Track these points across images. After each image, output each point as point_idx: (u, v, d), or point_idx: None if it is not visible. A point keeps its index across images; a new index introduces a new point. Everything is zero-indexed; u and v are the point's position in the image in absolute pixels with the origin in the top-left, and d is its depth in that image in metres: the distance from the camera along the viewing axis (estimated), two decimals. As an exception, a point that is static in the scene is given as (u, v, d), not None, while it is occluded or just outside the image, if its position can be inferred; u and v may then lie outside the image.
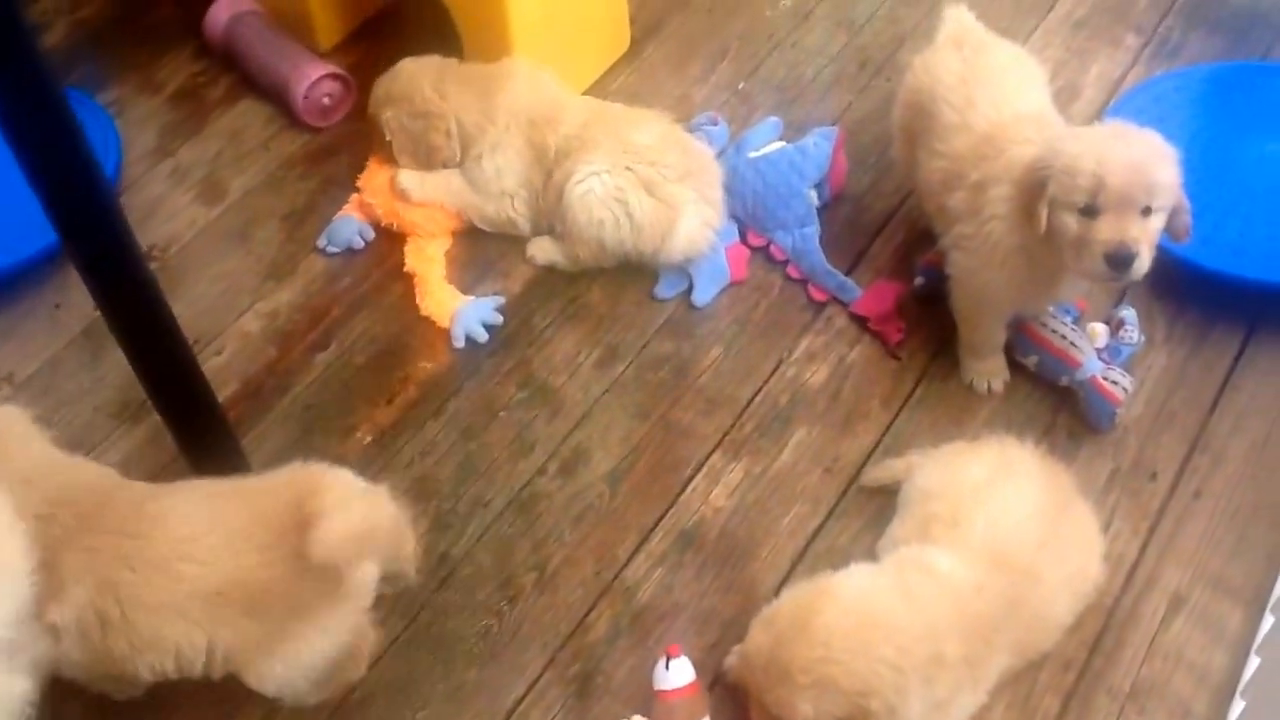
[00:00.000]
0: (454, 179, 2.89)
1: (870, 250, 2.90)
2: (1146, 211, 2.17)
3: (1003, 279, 2.42)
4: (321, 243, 2.99)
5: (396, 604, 2.38)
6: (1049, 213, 2.23)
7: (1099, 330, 2.63)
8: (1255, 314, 2.69)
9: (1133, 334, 2.60)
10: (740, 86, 3.25)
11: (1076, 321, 2.67)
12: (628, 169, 2.74)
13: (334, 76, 3.20)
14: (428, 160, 2.88)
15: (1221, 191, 2.74)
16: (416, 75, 2.89)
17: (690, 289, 2.83)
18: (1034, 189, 2.25)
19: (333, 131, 3.23)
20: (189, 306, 2.90)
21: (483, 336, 2.79)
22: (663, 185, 2.76)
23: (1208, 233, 2.62)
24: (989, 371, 2.63)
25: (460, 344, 2.78)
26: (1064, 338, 2.57)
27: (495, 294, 2.86)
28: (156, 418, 2.41)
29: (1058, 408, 2.61)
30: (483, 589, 2.44)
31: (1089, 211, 2.19)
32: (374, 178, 2.97)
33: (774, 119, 3.05)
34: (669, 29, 3.41)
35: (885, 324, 2.72)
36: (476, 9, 2.97)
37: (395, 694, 2.31)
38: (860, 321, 2.76)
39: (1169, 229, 2.26)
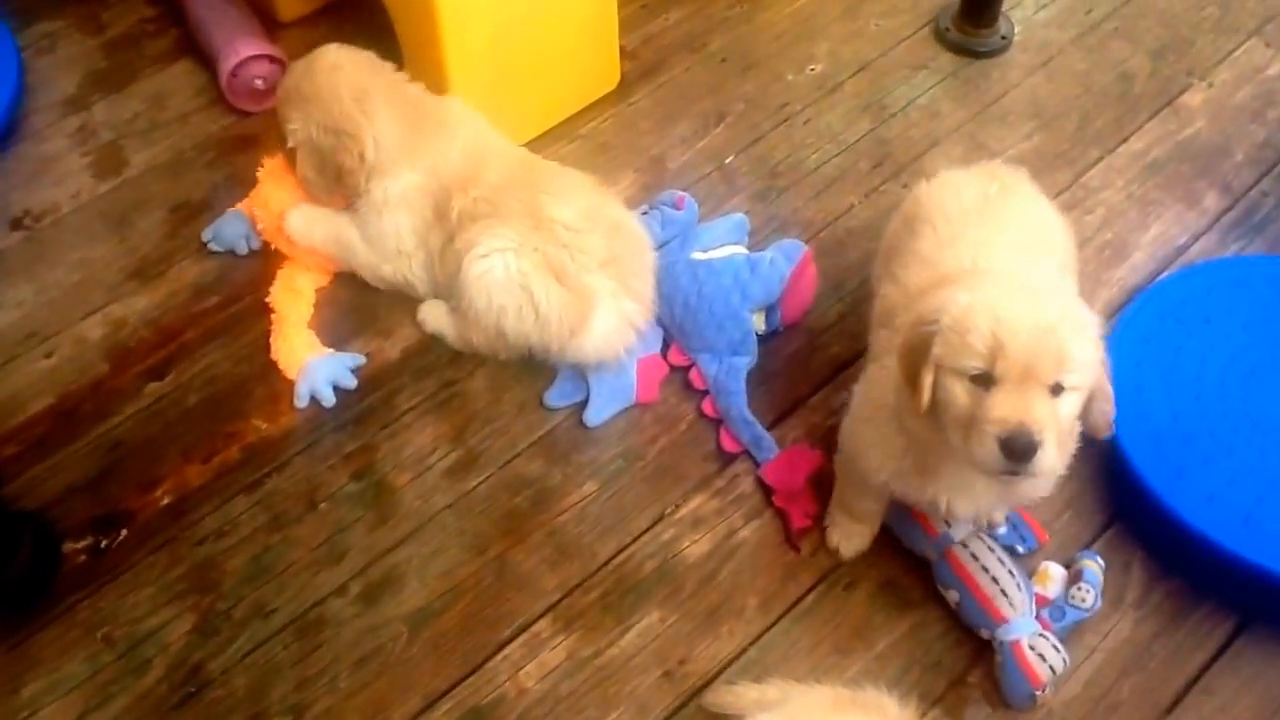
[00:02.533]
0: (348, 231, 2.44)
1: (810, 402, 2.39)
2: (1057, 390, 1.68)
3: (873, 442, 1.93)
4: (206, 235, 2.61)
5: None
6: (935, 379, 1.73)
7: (1052, 575, 2.11)
8: (1256, 602, 2.11)
9: (1088, 596, 2.07)
10: (728, 160, 2.75)
11: (1030, 551, 2.14)
12: (536, 249, 2.27)
13: (270, 59, 2.79)
14: (333, 183, 2.42)
15: (1253, 437, 2.16)
16: (337, 77, 2.37)
17: (585, 402, 2.36)
18: (918, 348, 1.74)
19: (262, 119, 2.82)
20: (37, 293, 2.57)
21: (328, 400, 2.38)
22: (575, 274, 2.28)
23: (1217, 488, 2.08)
24: (846, 533, 2.17)
25: (302, 404, 2.38)
26: (994, 580, 2.04)
27: (363, 354, 2.43)
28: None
29: (976, 658, 2.09)
30: (224, 722, 2.04)
31: (982, 380, 1.68)
32: (265, 185, 2.54)
33: (740, 216, 2.55)
34: (669, 73, 2.92)
35: (791, 503, 2.23)
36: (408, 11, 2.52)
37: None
38: (768, 491, 2.26)
39: (1085, 420, 1.76)
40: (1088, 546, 2.18)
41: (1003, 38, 2.95)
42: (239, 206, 2.61)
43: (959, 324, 1.69)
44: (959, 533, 2.10)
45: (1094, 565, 2.11)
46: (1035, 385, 1.67)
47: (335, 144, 2.37)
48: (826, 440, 2.29)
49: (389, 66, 2.46)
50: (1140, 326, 2.31)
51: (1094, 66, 2.93)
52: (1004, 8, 2.94)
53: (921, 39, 2.98)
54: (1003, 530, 2.16)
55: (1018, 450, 1.65)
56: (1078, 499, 2.24)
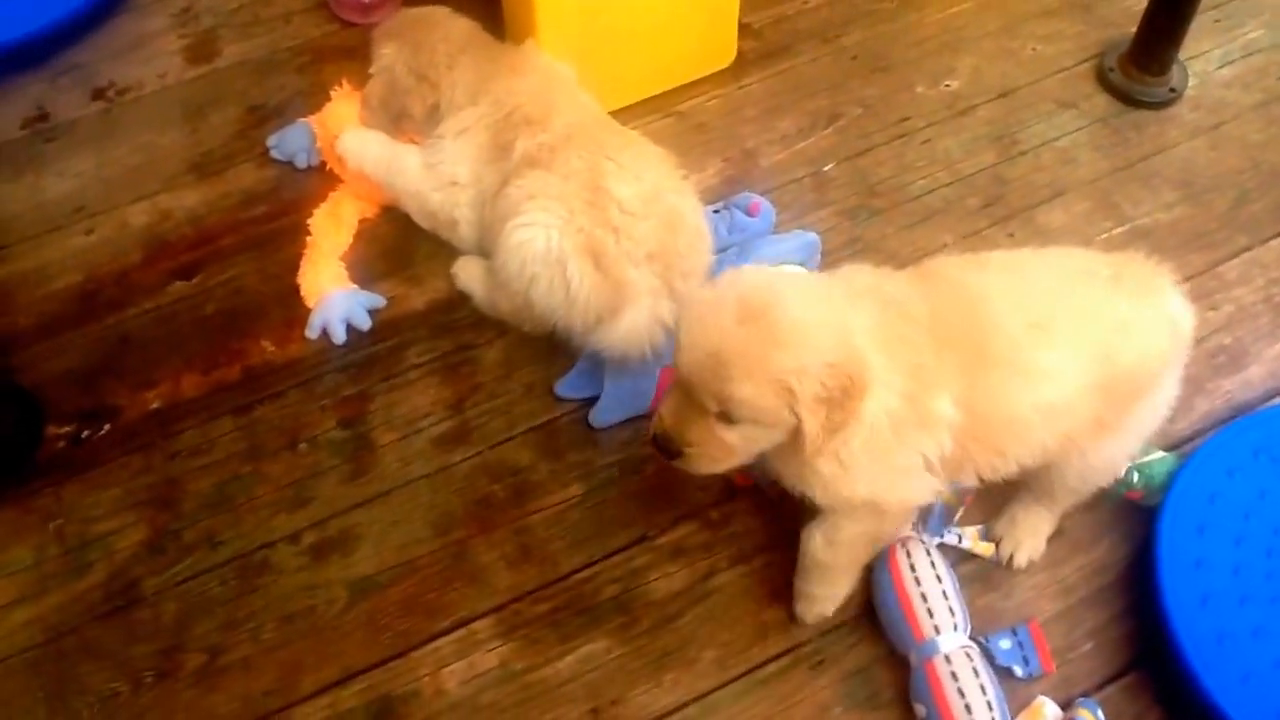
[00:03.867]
0: (402, 156, 2.32)
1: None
2: (723, 417, 1.64)
3: None
4: (270, 141, 2.55)
5: (43, 614, 1.98)
6: None
7: (1045, 715, 1.86)
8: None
9: (1079, 750, 1.81)
10: (826, 168, 2.50)
11: (1030, 677, 1.91)
12: (581, 230, 2.09)
13: (379, -29, 2.67)
14: (393, 124, 2.35)
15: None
16: (440, 33, 2.33)
17: (596, 399, 2.19)
18: None
19: (360, 33, 2.71)
20: (98, 168, 2.55)
21: (339, 337, 2.28)
22: (616, 262, 2.10)
23: (1257, 668, 1.80)
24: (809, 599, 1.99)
25: (313, 334, 2.29)
26: (968, 710, 1.80)
27: (387, 298, 2.31)
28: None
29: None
30: (144, 645, 1.98)
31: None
32: (338, 106, 2.43)
33: (813, 236, 2.32)
34: (791, 60, 2.68)
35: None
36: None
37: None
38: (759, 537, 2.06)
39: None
40: (1098, 689, 1.90)
41: (1171, 89, 2.60)
42: (308, 119, 2.51)
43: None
44: (947, 645, 1.86)
45: (1092, 709, 1.84)
46: (693, 403, 1.65)
47: (412, 87, 2.30)
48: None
49: (486, 36, 2.37)
50: (1228, 455, 2.00)
51: (1270, 141, 2.56)
52: (1182, 56, 2.59)
53: (1080, 74, 2.66)
54: (1006, 646, 1.91)
55: (663, 450, 1.71)
56: (1102, 631, 1.96)
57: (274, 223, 2.43)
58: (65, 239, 2.42)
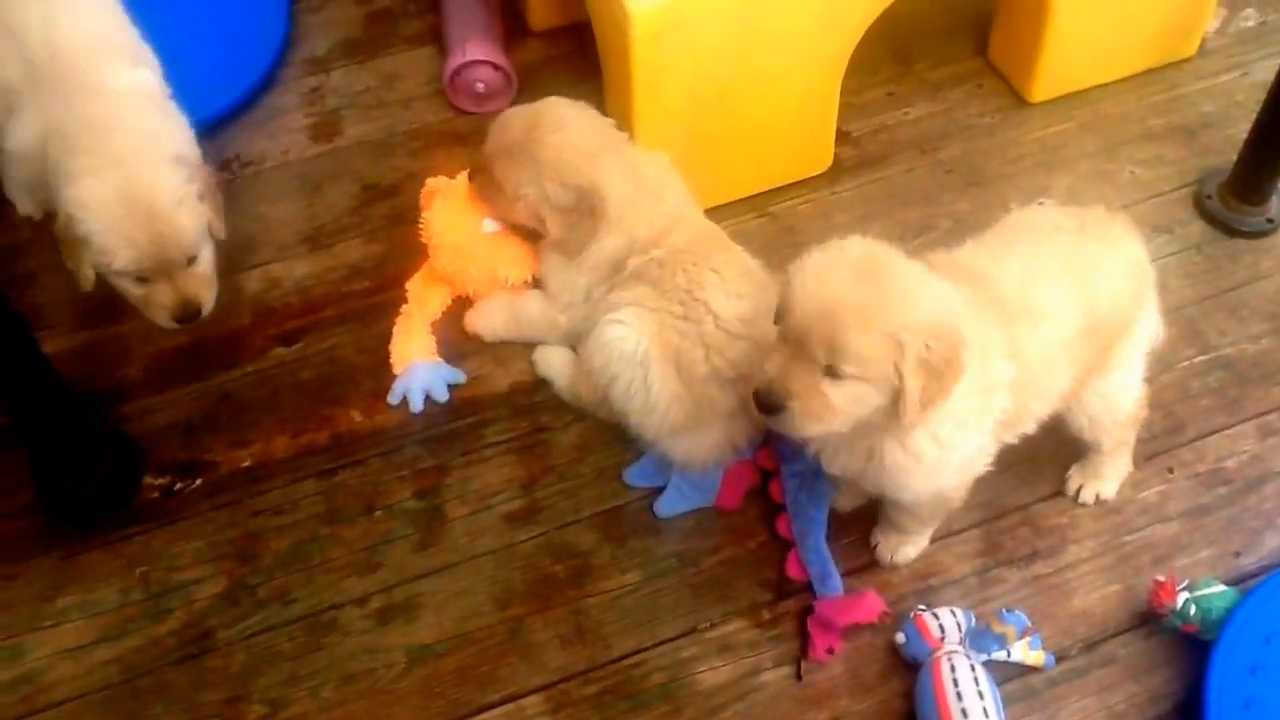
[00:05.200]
0: (528, 306, 2.42)
1: (893, 560, 2.17)
2: (830, 372, 1.72)
3: None
4: None
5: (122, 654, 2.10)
6: None
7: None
8: None
9: None
10: (910, 277, 2.53)
11: None
12: (670, 342, 2.14)
13: (493, 66, 2.81)
14: (575, 247, 2.29)
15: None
16: (564, 136, 2.27)
17: (663, 488, 2.24)
18: None
19: (478, 121, 2.85)
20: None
21: (416, 406, 2.38)
22: (701, 379, 2.15)
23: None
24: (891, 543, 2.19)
25: (394, 401, 2.40)
26: (964, 713, 1.88)
27: (470, 375, 2.41)
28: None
29: None
30: (211, 692, 2.08)
31: None
32: (437, 203, 2.46)
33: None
34: (886, 170, 2.74)
35: (821, 632, 2.05)
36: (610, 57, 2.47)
37: None
38: (804, 615, 2.10)
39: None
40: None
41: (1269, 220, 2.58)
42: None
43: None
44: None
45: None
46: (802, 355, 1.72)
47: (576, 201, 2.26)
48: (897, 607, 2.09)
49: (609, 122, 2.35)
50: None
51: (1367, 277, 2.52)
52: (1281, 187, 2.58)
53: (1177, 199, 2.66)
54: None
55: (765, 404, 1.76)
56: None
57: (374, 297, 2.55)
58: (180, 303, 2.58)
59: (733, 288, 2.19)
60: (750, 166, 2.62)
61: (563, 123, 2.28)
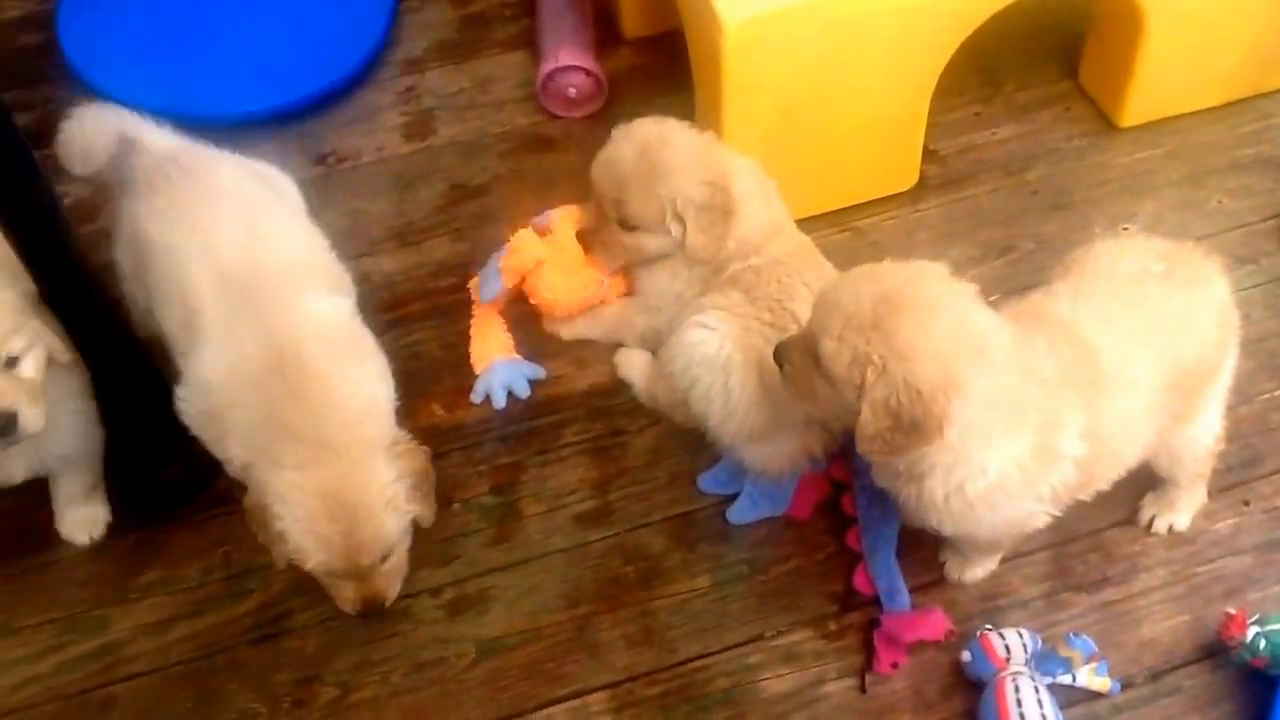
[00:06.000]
0: (621, 315, 2.47)
1: (962, 578, 2.18)
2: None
3: None
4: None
5: (200, 631, 2.18)
6: None
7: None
8: None
9: None
10: (992, 299, 2.50)
11: None
12: (755, 347, 2.16)
13: (586, 72, 2.85)
14: (712, 250, 2.27)
15: None
16: (680, 139, 2.26)
17: (736, 496, 2.27)
18: None
19: (568, 125, 2.91)
20: (310, 228, 2.75)
21: (499, 403, 2.43)
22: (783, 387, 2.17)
23: None
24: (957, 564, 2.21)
25: (477, 399, 2.45)
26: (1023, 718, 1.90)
27: (549, 372, 2.47)
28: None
29: None
30: (284, 672, 2.15)
31: None
32: (547, 271, 2.41)
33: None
34: (971, 190, 2.74)
35: (887, 646, 2.07)
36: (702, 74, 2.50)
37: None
38: (870, 629, 2.12)
39: None
40: None
41: (1357, 255, 2.55)
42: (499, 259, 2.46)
43: None
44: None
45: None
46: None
47: (710, 196, 2.23)
48: (964, 627, 2.10)
49: (709, 135, 2.34)
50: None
51: None
52: (1379, 222, 2.55)
53: (1263, 231, 2.63)
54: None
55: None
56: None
57: (459, 295, 2.60)
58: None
59: None
60: (836, 181, 2.64)
61: (668, 135, 2.27)
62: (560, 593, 2.20)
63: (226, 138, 2.72)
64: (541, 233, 2.42)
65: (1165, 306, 1.91)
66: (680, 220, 2.23)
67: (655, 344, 2.42)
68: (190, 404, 2.01)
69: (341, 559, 1.92)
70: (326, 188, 2.83)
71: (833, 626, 2.15)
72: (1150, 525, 2.21)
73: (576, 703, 2.09)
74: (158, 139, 2.24)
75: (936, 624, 2.07)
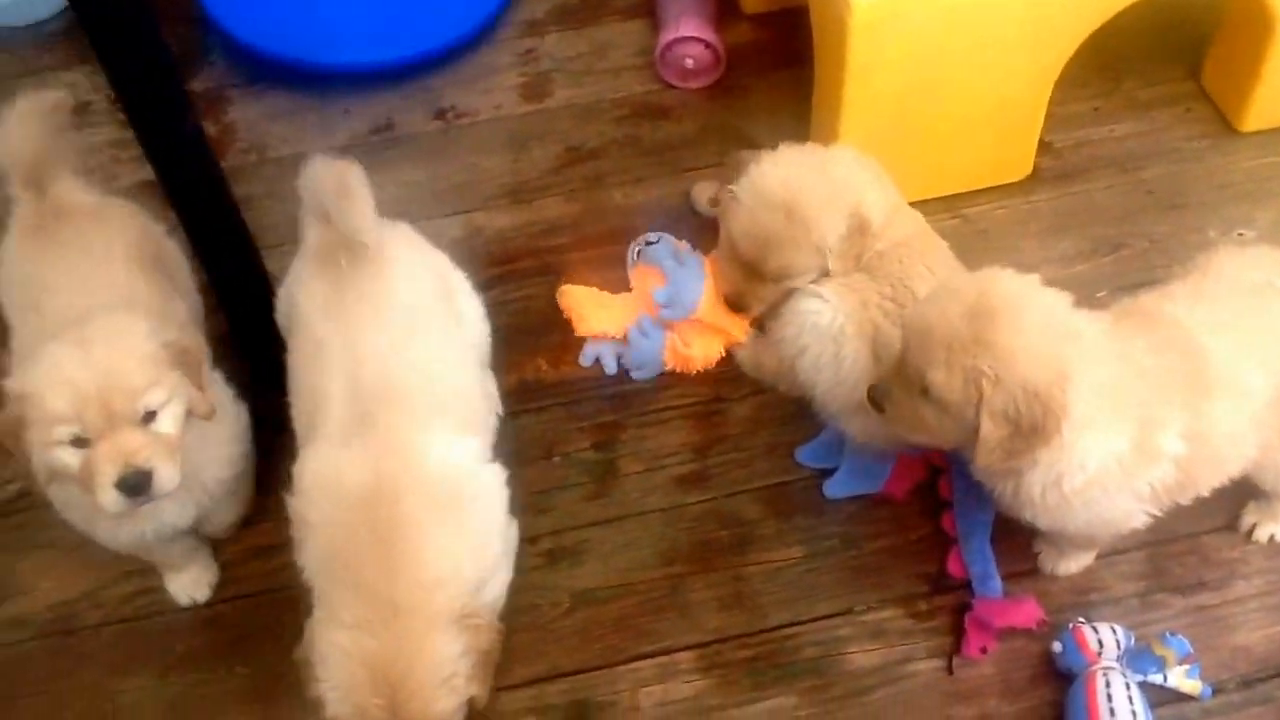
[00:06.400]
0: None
1: (1055, 569, 2.19)
2: (924, 392, 1.81)
3: None
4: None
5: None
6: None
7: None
8: None
9: None
10: (1099, 295, 2.52)
11: None
12: (873, 321, 2.16)
13: (705, 44, 2.88)
14: (852, 267, 2.22)
15: None
16: (806, 173, 2.21)
17: (833, 470, 2.29)
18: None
19: (683, 95, 2.93)
20: (426, 179, 2.84)
21: (611, 368, 2.47)
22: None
23: None
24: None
25: (586, 363, 2.49)
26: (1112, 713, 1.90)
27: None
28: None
29: None
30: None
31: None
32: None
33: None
34: (1085, 184, 2.72)
35: (978, 631, 2.08)
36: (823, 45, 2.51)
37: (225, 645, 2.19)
38: (961, 612, 2.14)
39: None
40: None
41: None
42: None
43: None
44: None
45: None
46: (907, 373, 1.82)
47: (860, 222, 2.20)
48: (1055, 618, 2.10)
49: (814, 147, 2.31)
50: None
51: None
52: None
53: (1386, 245, 2.59)
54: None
55: (871, 398, 1.93)
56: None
57: (570, 254, 2.65)
58: (385, 241, 2.72)
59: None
60: (949, 165, 2.64)
61: (794, 181, 2.19)
62: (655, 551, 2.24)
63: (349, 88, 2.79)
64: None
65: None
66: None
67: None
68: (294, 497, 1.89)
69: None
70: (444, 142, 2.89)
71: (923, 607, 2.16)
72: (1252, 532, 2.20)
73: (665, 659, 2.13)
74: (355, 219, 2.01)
75: (1029, 612, 2.08)
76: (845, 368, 2.18)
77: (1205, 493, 1.96)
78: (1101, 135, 2.81)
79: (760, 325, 2.41)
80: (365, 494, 1.78)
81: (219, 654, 2.17)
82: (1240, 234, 2.60)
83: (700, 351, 2.43)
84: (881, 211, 2.22)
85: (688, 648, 2.14)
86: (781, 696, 2.08)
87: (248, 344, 2.31)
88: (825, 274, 2.21)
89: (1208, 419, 1.84)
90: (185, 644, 2.18)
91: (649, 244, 2.54)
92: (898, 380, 1.88)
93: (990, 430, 1.74)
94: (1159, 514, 1.94)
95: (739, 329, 2.42)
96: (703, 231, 2.60)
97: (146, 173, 2.77)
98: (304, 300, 2.00)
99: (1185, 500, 1.95)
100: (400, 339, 1.94)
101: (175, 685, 2.14)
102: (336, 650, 1.71)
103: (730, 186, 2.23)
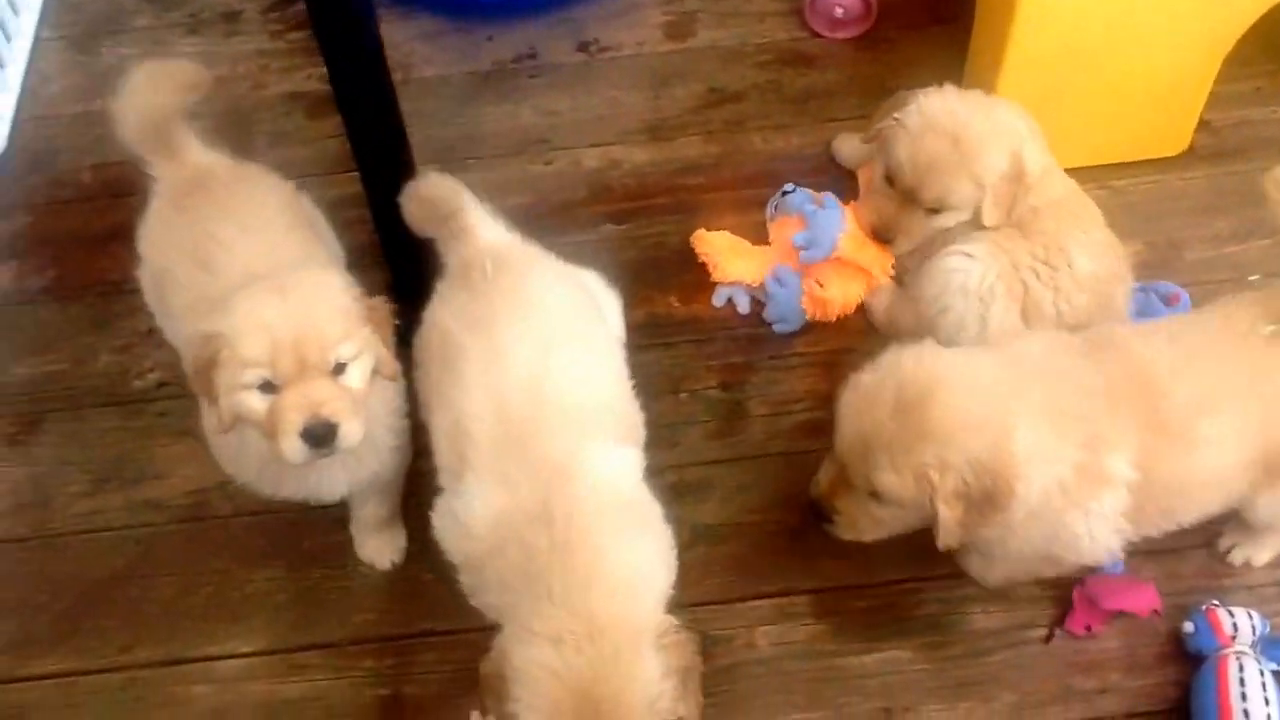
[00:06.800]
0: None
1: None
2: (873, 495, 1.81)
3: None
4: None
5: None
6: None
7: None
8: None
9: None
10: (1252, 278, 2.48)
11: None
12: (1023, 282, 2.16)
13: (858, -8, 2.84)
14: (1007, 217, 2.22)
15: None
16: (976, 107, 2.22)
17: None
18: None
19: (830, 45, 2.90)
20: (568, 110, 2.85)
21: (744, 308, 2.47)
22: (1046, 323, 2.15)
23: None
24: None
25: (719, 303, 2.48)
26: (1246, 714, 1.86)
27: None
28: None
29: None
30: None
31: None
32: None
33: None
34: (1242, 165, 2.64)
35: (1084, 607, 2.05)
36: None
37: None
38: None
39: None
40: None
41: None
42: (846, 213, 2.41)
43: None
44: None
45: None
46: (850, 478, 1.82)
47: (1018, 167, 2.20)
48: (1185, 599, 2.07)
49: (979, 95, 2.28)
50: None
51: None
52: None
53: None
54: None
55: (815, 513, 1.92)
56: None
57: (707, 195, 2.64)
58: (526, 164, 2.73)
59: (1093, 249, 2.19)
60: (1104, 134, 2.58)
61: (962, 115, 2.19)
62: (777, 493, 2.24)
63: (493, 15, 2.78)
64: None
65: (1266, 374, 1.85)
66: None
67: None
68: (451, 541, 1.79)
69: None
70: (586, 74, 2.89)
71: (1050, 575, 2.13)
72: (1228, 554, 2.12)
73: (783, 601, 2.12)
74: (487, 231, 2.00)
75: (1145, 598, 2.04)
76: (990, 328, 2.16)
77: (1158, 533, 1.93)
78: (1263, 116, 2.74)
79: (900, 278, 2.38)
80: (536, 514, 1.69)
81: (346, 552, 2.19)
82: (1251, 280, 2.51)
83: (839, 293, 2.39)
84: (1038, 165, 2.19)
85: (805, 592, 2.13)
86: (897, 650, 2.07)
87: (394, 255, 2.33)
88: (976, 220, 2.17)
89: (1155, 457, 1.80)
90: (313, 541, 2.21)
91: (784, 194, 2.52)
92: (839, 492, 1.88)
93: (947, 514, 1.75)
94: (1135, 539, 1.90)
95: (880, 267, 2.38)
96: (841, 182, 2.58)
97: (292, 84, 2.85)
98: (449, 319, 1.89)
99: (1158, 533, 1.92)
100: (550, 348, 1.83)
101: (302, 580, 2.18)
102: (537, 668, 1.58)
103: (895, 114, 2.21)
